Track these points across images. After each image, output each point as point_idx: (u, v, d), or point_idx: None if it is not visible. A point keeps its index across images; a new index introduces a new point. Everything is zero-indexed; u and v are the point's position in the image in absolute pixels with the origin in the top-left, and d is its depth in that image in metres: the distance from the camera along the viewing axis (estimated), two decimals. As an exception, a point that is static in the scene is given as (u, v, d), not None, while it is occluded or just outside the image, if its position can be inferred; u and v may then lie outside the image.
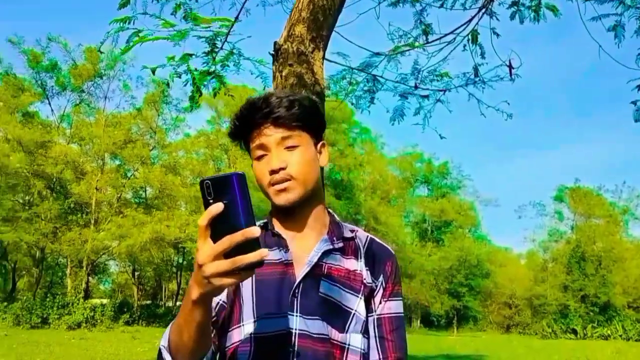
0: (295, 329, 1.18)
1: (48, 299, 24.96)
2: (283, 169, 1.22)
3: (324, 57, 2.61)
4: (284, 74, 2.46)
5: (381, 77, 4.85)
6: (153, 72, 3.25)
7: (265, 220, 1.34)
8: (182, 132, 34.61)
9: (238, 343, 1.21)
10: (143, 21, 3.19)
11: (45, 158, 29.02)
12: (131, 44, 3.24)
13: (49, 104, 32.58)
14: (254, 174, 1.29)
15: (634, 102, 4.51)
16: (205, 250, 0.86)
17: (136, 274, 35.80)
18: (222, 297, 1.26)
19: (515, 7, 4.97)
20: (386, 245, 1.35)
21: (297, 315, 1.20)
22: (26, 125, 29.86)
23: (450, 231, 45.24)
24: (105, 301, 29.94)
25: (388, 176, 42.61)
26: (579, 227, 43.12)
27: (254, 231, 0.85)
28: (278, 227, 1.31)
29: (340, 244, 1.29)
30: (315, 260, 1.24)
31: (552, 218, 45.94)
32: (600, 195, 44.03)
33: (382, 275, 1.29)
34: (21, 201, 31.28)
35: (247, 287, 1.24)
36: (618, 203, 44.83)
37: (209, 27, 3.25)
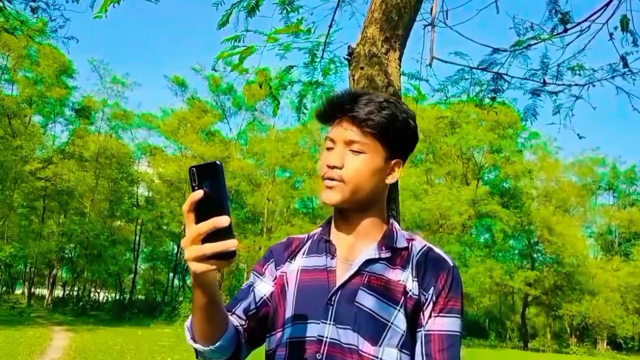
0: (326, 337, 1.16)
1: (227, 301, 27.51)
2: (338, 168, 1.20)
3: (401, 57, 2.54)
4: (356, 77, 2.44)
5: (506, 74, 4.51)
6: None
7: (322, 225, 1.33)
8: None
9: (276, 346, 1.23)
10: (250, 39, 3.41)
11: (225, 172, 32.16)
12: (240, 58, 3.48)
13: (228, 123, 36.07)
14: None
15: None
16: (187, 234, 0.90)
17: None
18: (266, 293, 1.28)
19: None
20: (444, 256, 1.24)
21: (330, 324, 1.17)
22: (208, 143, 33.38)
23: (641, 244, 39.88)
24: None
25: (564, 183, 39.09)
26: None
27: (222, 220, 0.88)
28: (333, 232, 1.30)
29: (387, 254, 1.22)
30: (355, 268, 1.20)
31: None
32: None
33: (432, 288, 1.18)
34: (206, 212, 34.86)
35: (291, 292, 1.24)
36: None
37: (309, 38, 3.36)
